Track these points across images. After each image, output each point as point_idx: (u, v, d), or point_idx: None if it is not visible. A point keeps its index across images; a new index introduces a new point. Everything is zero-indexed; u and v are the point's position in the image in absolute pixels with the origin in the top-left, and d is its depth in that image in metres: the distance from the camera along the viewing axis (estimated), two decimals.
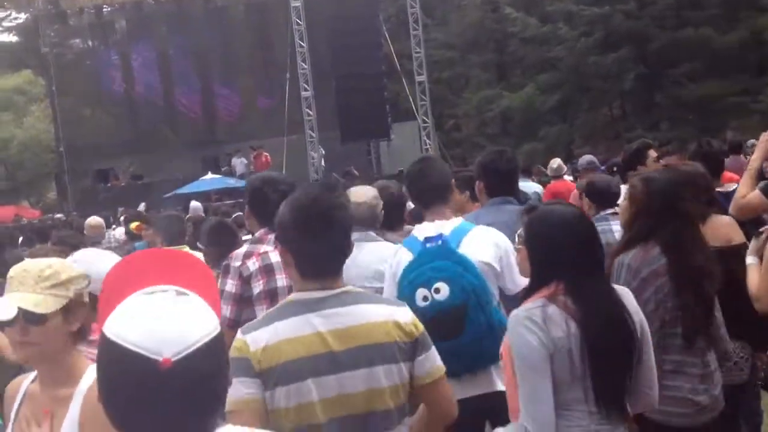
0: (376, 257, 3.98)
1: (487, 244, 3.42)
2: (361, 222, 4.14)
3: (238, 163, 22.67)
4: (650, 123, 26.71)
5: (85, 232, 8.78)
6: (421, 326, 2.33)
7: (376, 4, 24.94)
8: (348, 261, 2.37)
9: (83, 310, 2.08)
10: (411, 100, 24.19)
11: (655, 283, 3.15)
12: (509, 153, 4.24)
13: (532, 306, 2.48)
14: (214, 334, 1.40)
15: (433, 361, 2.33)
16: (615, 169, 6.41)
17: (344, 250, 2.32)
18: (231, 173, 22.22)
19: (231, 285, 3.44)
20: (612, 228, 4.44)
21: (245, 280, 3.45)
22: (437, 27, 30.86)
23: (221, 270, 3.59)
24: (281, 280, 3.39)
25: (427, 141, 24.36)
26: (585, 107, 29.22)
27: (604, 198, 4.67)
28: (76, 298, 2.06)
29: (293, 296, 2.30)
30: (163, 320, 1.37)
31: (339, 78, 23.72)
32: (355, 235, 4.28)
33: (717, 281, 3.22)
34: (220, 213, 10.71)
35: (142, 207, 17.05)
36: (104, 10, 27.03)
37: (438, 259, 3.28)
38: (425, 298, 3.21)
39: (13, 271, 2.05)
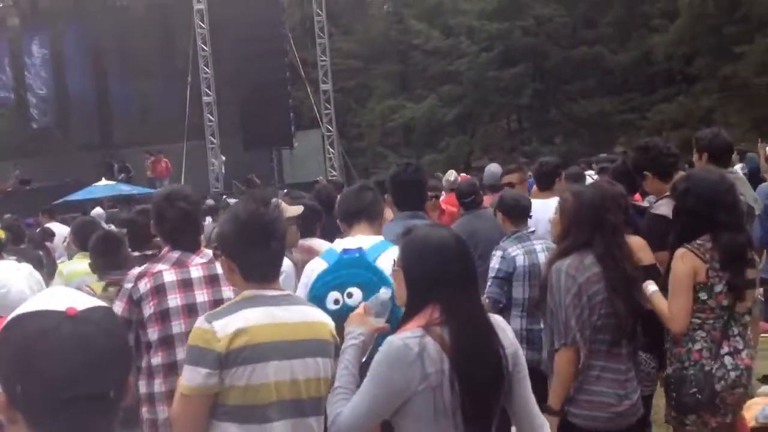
0: None
1: None
2: None
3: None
4: (545, 137, 27.68)
5: None
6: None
7: (282, 11, 24.80)
8: None
9: None
10: (315, 108, 24.16)
11: (589, 290, 3.30)
12: (415, 165, 4.23)
13: (411, 335, 2.33)
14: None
15: None
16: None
17: (281, 257, 2.60)
18: (129, 179, 21.55)
19: (118, 307, 3.30)
20: (536, 248, 4.55)
21: (135, 303, 3.32)
22: (343, 36, 30.94)
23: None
24: (174, 299, 3.27)
25: (331, 150, 24.37)
26: (485, 120, 29.98)
27: (515, 212, 4.76)
28: None
29: (249, 292, 2.50)
30: (49, 294, 1.39)
31: (242, 84, 23.46)
32: None
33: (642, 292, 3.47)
34: (118, 221, 10.34)
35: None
36: None
37: (354, 268, 3.29)
38: (336, 302, 3.21)
39: None
